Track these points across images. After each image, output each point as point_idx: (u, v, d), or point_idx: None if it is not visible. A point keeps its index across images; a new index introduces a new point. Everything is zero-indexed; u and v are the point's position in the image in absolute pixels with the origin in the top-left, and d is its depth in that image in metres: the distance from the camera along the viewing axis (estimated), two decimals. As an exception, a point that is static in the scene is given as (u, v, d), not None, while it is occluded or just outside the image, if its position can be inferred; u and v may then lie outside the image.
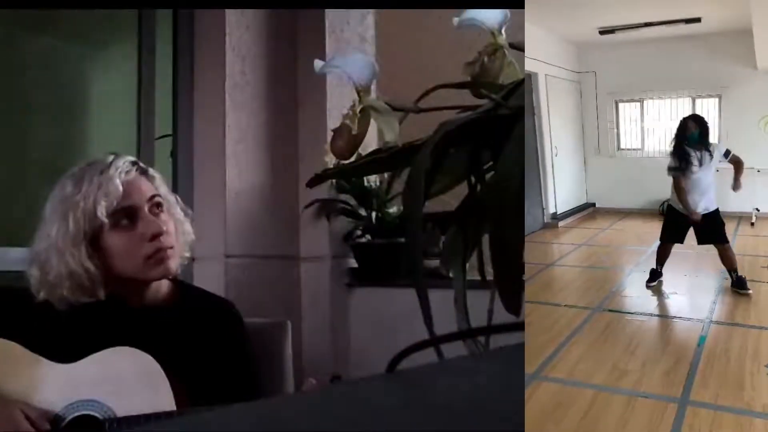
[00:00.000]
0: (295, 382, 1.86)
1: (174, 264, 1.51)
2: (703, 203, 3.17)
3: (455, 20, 0.73)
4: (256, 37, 2.48)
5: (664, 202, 5.38)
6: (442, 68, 1.12)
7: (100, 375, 1.40)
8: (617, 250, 4.53)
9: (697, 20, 4.77)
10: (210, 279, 2.26)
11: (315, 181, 0.68)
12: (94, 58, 2.50)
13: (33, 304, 1.47)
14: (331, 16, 2.56)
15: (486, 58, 0.71)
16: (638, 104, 6.06)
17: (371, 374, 0.51)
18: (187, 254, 1.62)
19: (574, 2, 4.32)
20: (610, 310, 2.96)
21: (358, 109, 0.64)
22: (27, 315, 1.48)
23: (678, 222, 3.25)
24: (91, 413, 1.37)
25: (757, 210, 5.34)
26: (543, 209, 5.23)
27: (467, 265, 0.65)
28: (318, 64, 0.67)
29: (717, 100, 5.66)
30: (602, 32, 5.21)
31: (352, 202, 2.45)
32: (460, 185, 0.64)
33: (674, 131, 3.30)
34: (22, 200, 2.19)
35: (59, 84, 2.35)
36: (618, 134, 6.18)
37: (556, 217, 5.36)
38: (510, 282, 0.53)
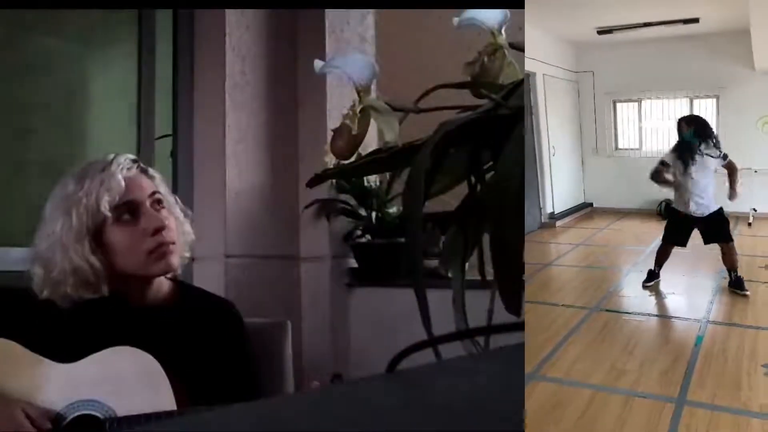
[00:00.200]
0: (295, 382, 1.86)
1: (175, 260, 1.52)
2: (703, 203, 3.17)
3: (455, 20, 0.73)
4: (256, 37, 2.48)
5: (661, 202, 5.40)
6: (442, 68, 1.12)
7: (100, 374, 1.40)
8: (615, 250, 4.53)
9: (696, 21, 4.77)
10: (210, 279, 2.26)
11: (315, 181, 0.68)
12: (94, 58, 2.50)
13: (34, 304, 1.48)
14: (331, 16, 2.56)
15: (486, 58, 0.71)
16: (636, 104, 6.06)
17: (371, 374, 0.51)
18: (188, 254, 1.62)
19: (572, 2, 4.32)
20: (608, 310, 2.96)
21: (358, 109, 0.64)
22: (28, 314, 1.48)
23: (679, 223, 3.25)
24: (92, 413, 1.37)
25: (755, 210, 5.35)
26: (540, 209, 5.22)
27: (467, 264, 0.65)
28: (318, 64, 0.67)
29: (715, 100, 5.66)
30: (600, 32, 5.20)
31: (352, 202, 2.45)
32: (460, 185, 0.64)
33: (676, 131, 3.31)
34: (22, 200, 2.20)
35: (59, 84, 2.35)
36: (616, 134, 6.18)
37: (553, 216, 5.36)
38: (510, 282, 0.53)
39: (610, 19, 4.90)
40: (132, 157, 1.55)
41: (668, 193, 3.44)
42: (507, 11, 0.72)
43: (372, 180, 2.41)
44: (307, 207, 2.44)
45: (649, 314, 2.94)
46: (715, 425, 1.86)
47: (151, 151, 2.40)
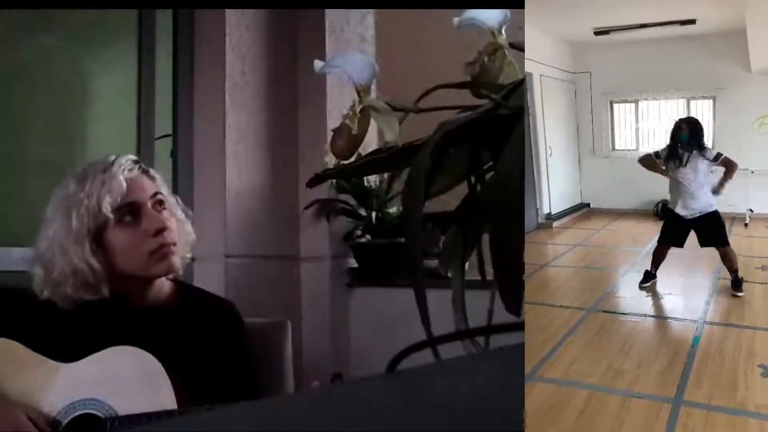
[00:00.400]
0: (295, 382, 1.86)
1: (177, 261, 1.51)
2: (693, 206, 3.17)
3: (455, 20, 0.73)
4: (256, 37, 2.48)
5: (658, 203, 5.41)
6: (442, 68, 1.12)
7: (101, 374, 1.40)
8: (612, 250, 4.53)
9: (692, 22, 4.78)
10: (210, 279, 2.26)
11: (315, 181, 0.68)
12: (94, 58, 2.50)
13: (35, 304, 1.47)
14: (331, 16, 2.56)
15: (486, 58, 0.71)
16: (633, 105, 6.07)
17: (371, 374, 0.51)
18: (189, 255, 1.62)
19: (569, 3, 4.32)
20: (605, 311, 2.96)
21: (358, 109, 0.64)
22: (29, 315, 1.48)
23: (674, 224, 3.25)
24: (93, 412, 1.37)
25: (751, 211, 5.36)
26: (537, 210, 5.22)
27: (467, 264, 0.65)
28: (318, 64, 0.67)
29: (711, 101, 5.67)
30: (597, 33, 5.21)
31: (352, 202, 2.45)
32: (460, 185, 0.64)
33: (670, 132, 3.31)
34: (22, 200, 2.19)
35: (59, 84, 2.35)
36: (613, 135, 6.18)
37: (550, 217, 5.36)
38: (510, 282, 0.53)
39: (607, 19, 4.90)
40: (133, 158, 1.55)
41: (665, 194, 3.44)
42: (507, 11, 0.72)
43: (372, 180, 2.41)
44: (307, 207, 2.44)
45: (646, 315, 2.94)
46: (712, 425, 1.86)
47: (151, 151, 2.40)
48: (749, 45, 4.66)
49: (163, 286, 1.58)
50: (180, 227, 1.57)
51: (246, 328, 1.63)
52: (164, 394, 1.38)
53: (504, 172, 0.56)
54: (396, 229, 2.34)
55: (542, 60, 5.20)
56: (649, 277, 3.32)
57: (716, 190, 3.22)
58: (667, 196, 3.40)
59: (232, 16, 2.42)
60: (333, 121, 2.44)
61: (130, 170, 1.50)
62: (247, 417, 0.41)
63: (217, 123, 2.39)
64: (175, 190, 2.04)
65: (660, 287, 3.33)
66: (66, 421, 1.37)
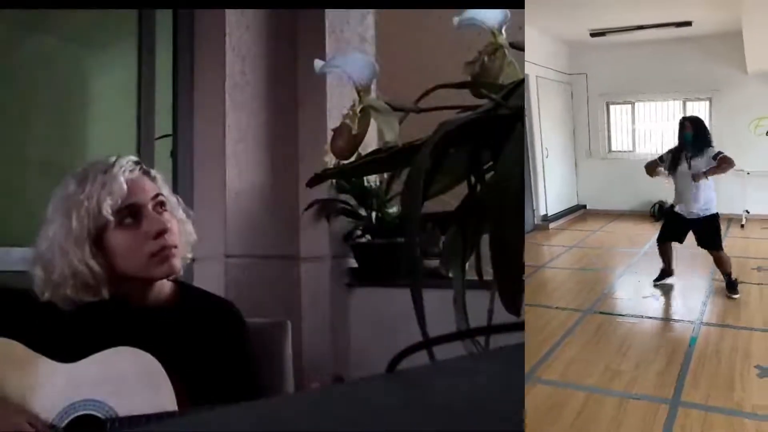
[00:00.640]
0: (295, 382, 1.86)
1: (178, 263, 1.51)
2: (693, 207, 3.17)
3: (455, 20, 0.73)
4: (256, 37, 2.48)
5: (655, 204, 5.41)
6: (442, 68, 1.11)
7: (101, 375, 1.40)
8: (608, 252, 4.53)
9: (688, 24, 4.78)
10: (210, 279, 2.26)
11: (315, 181, 0.68)
12: (94, 58, 2.50)
13: (36, 304, 1.47)
14: (331, 16, 2.56)
15: (486, 58, 0.71)
16: (629, 106, 6.07)
17: (371, 374, 0.51)
18: (190, 255, 1.62)
19: (565, 4, 4.32)
20: (602, 313, 2.96)
21: (358, 109, 0.64)
22: (30, 315, 1.48)
23: (675, 223, 3.26)
24: (93, 413, 1.37)
25: (747, 212, 5.37)
26: (534, 211, 5.22)
27: (468, 264, 0.65)
28: (318, 63, 0.67)
29: (708, 102, 5.68)
30: (593, 34, 5.21)
31: (352, 202, 2.45)
32: (460, 185, 0.64)
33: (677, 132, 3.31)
34: (22, 200, 2.19)
35: (59, 84, 2.35)
36: (609, 136, 6.18)
37: (546, 218, 5.35)
38: (510, 282, 0.53)
39: (603, 21, 4.90)
40: (134, 158, 1.54)
41: (662, 196, 3.44)
42: (507, 11, 0.72)
43: (372, 180, 2.41)
44: (307, 208, 2.44)
45: (642, 316, 2.94)
46: (710, 426, 1.86)
47: (151, 151, 2.40)
48: (745, 47, 4.67)
49: (164, 286, 1.57)
50: (181, 228, 1.56)
51: (247, 328, 1.63)
52: (164, 395, 1.38)
53: (504, 172, 0.56)
54: (396, 229, 2.34)
55: (538, 61, 5.20)
56: (664, 274, 3.31)
57: (697, 176, 3.19)
58: (664, 198, 3.40)
59: (232, 16, 2.42)
60: (333, 121, 2.44)
61: (130, 171, 1.49)
62: (247, 417, 0.41)
63: (217, 123, 2.39)
64: (175, 190, 2.04)
65: (657, 288, 3.33)
66: (66, 421, 1.37)
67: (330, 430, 0.38)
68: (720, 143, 5.11)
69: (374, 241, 2.44)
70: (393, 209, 2.40)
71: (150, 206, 1.50)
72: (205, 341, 1.55)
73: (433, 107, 0.65)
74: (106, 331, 1.48)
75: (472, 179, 0.62)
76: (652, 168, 3.36)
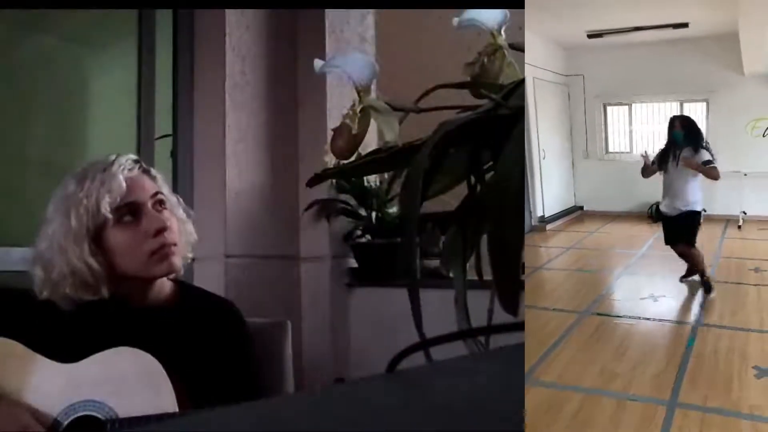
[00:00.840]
0: (295, 382, 1.86)
1: (178, 261, 1.51)
2: (673, 204, 3.17)
3: (455, 20, 0.73)
4: (256, 37, 2.48)
5: (652, 205, 5.41)
6: (442, 68, 1.12)
7: (101, 375, 1.39)
8: (606, 253, 4.53)
9: (685, 25, 4.79)
10: (210, 279, 2.26)
11: (315, 181, 0.68)
12: (94, 58, 2.50)
13: (35, 304, 1.47)
14: (331, 16, 2.56)
15: (486, 59, 0.71)
16: (626, 108, 6.07)
17: (371, 374, 0.51)
18: (190, 255, 1.62)
19: (562, 5, 4.32)
20: (599, 314, 2.96)
21: (358, 109, 0.64)
22: (29, 315, 1.48)
23: (664, 222, 3.26)
24: (93, 414, 1.37)
25: (744, 213, 5.38)
26: (531, 212, 5.22)
27: (468, 264, 0.65)
28: (318, 63, 0.67)
29: (705, 104, 5.68)
30: (590, 36, 5.21)
31: (352, 202, 2.45)
32: (460, 185, 0.64)
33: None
34: (22, 200, 2.19)
35: (59, 84, 2.35)
36: (606, 137, 6.18)
37: (544, 220, 5.36)
38: (510, 282, 0.53)
39: (600, 22, 4.91)
40: (134, 157, 1.54)
41: (659, 197, 3.44)
42: (507, 11, 0.72)
43: (372, 180, 2.41)
44: (307, 208, 2.44)
45: (640, 317, 2.94)
46: (707, 427, 1.86)
47: (151, 151, 2.40)
48: (742, 48, 4.67)
49: (164, 286, 1.57)
50: (181, 227, 1.56)
51: (247, 328, 1.63)
52: (164, 395, 1.38)
53: (504, 172, 0.56)
54: (396, 229, 2.34)
55: (535, 63, 5.21)
56: (690, 272, 3.31)
57: (678, 162, 3.17)
58: (661, 199, 3.41)
59: (232, 16, 2.42)
60: (333, 121, 2.44)
61: (130, 170, 1.49)
62: (247, 417, 0.41)
63: (217, 123, 2.39)
64: (175, 190, 2.04)
65: (655, 289, 3.33)
66: (66, 422, 1.37)
67: (330, 430, 0.38)
68: (717, 144, 5.13)
69: (374, 241, 2.44)
70: (393, 209, 2.40)
71: (149, 204, 1.49)
72: (205, 341, 1.55)
73: (433, 107, 0.65)
74: (106, 330, 1.47)
75: (472, 179, 0.62)
76: (645, 170, 3.36)
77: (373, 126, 0.65)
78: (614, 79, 5.85)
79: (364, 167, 0.67)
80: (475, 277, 0.64)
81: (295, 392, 1.86)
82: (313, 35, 2.55)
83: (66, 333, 1.47)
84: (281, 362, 1.82)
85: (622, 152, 6.11)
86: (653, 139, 5.70)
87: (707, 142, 3.23)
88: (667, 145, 3.23)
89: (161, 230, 1.48)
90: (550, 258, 4.31)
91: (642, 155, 3.36)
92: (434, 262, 2.00)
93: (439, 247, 1.56)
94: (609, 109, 6.13)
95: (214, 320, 1.59)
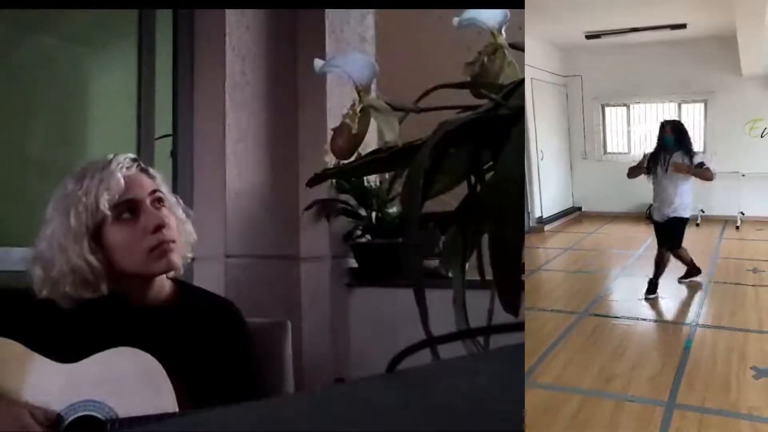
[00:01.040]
0: (295, 382, 1.86)
1: (177, 258, 1.51)
2: (663, 210, 3.17)
3: (455, 20, 0.73)
4: (256, 37, 2.48)
5: (650, 206, 5.40)
6: (442, 68, 1.12)
7: (101, 375, 1.39)
8: (604, 254, 4.52)
9: (683, 26, 4.79)
10: (210, 279, 2.26)
11: (315, 180, 0.68)
12: (94, 58, 2.50)
13: (35, 304, 1.47)
14: (331, 16, 2.56)
15: (486, 58, 0.71)
16: (624, 109, 6.07)
17: (371, 374, 0.51)
18: (190, 255, 1.62)
19: (560, 7, 4.32)
20: (597, 315, 2.96)
21: (358, 109, 0.64)
22: (30, 315, 1.48)
23: (656, 227, 3.27)
24: (93, 414, 1.37)
25: (742, 214, 5.38)
26: (529, 213, 5.22)
27: (468, 265, 0.65)
28: (318, 63, 0.67)
29: (703, 105, 5.68)
30: (588, 37, 5.21)
31: (352, 202, 2.45)
32: (460, 185, 0.64)
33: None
34: (22, 200, 2.19)
35: (59, 84, 2.35)
36: (604, 138, 6.18)
37: (542, 221, 5.36)
38: (510, 282, 0.53)
39: (598, 23, 4.91)
40: (132, 156, 1.54)
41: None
42: (507, 11, 0.72)
43: (372, 180, 2.41)
44: (307, 208, 2.44)
45: (638, 318, 2.94)
46: (706, 428, 1.86)
47: (151, 151, 2.40)
48: (740, 49, 4.68)
49: (164, 285, 1.57)
50: (180, 227, 1.56)
51: (247, 327, 1.63)
52: (164, 395, 1.38)
53: (504, 172, 0.56)
54: (396, 229, 2.34)
55: (533, 63, 5.20)
56: (689, 273, 3.32)
57: (668, 168, 3.16)
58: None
59: (232, 16, 2.42)
60: (333, 121, 2.44)
61: (128, 168, 1.50)
62: (247, 417, 0.41)
63: (217, 123, 2.39)
64: (175, 190, 2.04)
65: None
66: (66, 422, 1.37)
67: (330, 430, 0.38)
68: (715, 146, 5.13)
69: (374, 241, 2.44)
70: (393, 209, 2.40)
71: (148, 201, 1.50)
72: (205, 341, 1.55)
73: (433, 107, 0.65)
74: (106, 330, 1.48)
75: (472, 179, 0.62)
76: (634, 172, 3.36)
77: (373, 126, 0.65)
78: (612, 80, 5.85)
79: (364, 167, 0.67)
80: (475, 277, 0.64)
81: (295, 392, 1.86)
82: (313, 35, 2.55)
83: (66, 332, 1.47)
84: (281, 362, 1.82)
85: (620, 153, 6.10)
86: (651, 140, 5.70)
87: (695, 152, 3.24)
88: (656, 149, 3.23)
89: (160, 227, 1.48)
90: (548, 259, 4.31)
91: (645, 155, 3.35)
92: (434, 262, 2.00)
93: (439, 247, 1.56)
94: (607, 109, 6.12)
95: (214, 320, 1.59)
